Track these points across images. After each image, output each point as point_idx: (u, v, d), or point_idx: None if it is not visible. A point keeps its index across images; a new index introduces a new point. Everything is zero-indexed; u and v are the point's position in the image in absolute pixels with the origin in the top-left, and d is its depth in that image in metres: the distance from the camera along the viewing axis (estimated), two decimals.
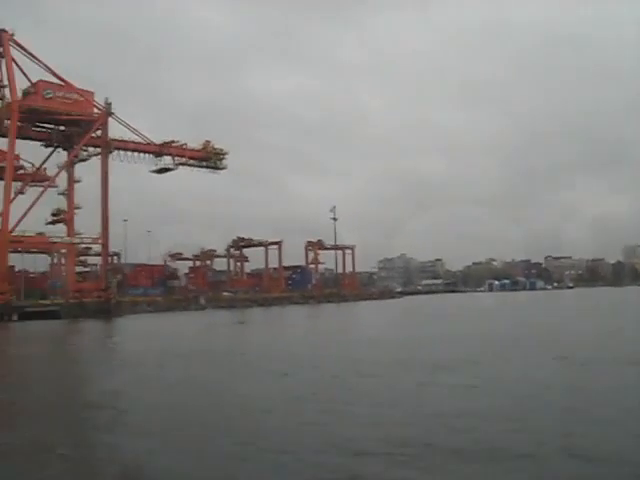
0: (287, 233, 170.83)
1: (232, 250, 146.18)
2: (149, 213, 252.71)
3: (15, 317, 75.47)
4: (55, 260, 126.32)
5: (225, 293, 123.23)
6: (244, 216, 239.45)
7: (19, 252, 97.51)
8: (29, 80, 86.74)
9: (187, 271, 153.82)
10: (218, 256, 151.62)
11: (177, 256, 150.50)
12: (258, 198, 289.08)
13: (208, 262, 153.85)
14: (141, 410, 17.26)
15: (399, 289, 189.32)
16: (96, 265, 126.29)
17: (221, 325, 65.20)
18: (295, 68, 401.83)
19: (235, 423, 15.13)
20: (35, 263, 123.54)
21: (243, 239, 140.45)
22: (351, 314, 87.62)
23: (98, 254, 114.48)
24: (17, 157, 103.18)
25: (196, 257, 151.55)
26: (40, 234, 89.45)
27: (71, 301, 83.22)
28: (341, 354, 30.35)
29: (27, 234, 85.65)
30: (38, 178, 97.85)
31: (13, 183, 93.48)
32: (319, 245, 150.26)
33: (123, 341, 46.51)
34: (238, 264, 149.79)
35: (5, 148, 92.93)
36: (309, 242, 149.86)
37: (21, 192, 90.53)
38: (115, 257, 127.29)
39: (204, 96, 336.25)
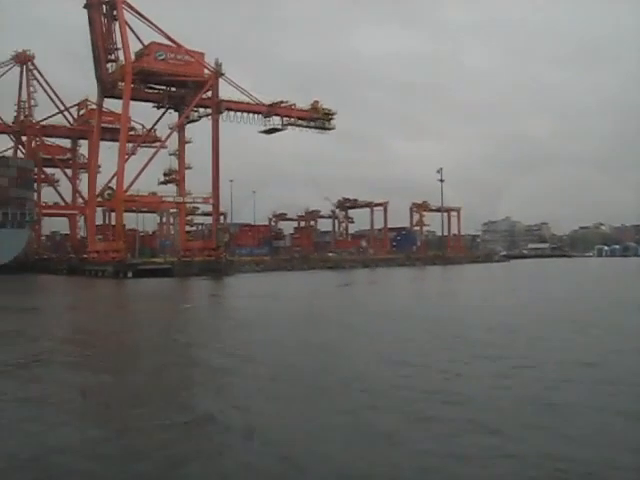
0: (387, 195, 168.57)
1: (337, 211, 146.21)
2: (253, 174, 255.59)
3: (130, 274, 77.62)
4: (164, 219, 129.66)
5: (330, 254, 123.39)
6: (346, 177, 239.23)
7: (133, 211, 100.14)
8: (141, 42, 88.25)
9: (292, 231, 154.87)
10: (322, 217, 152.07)
11: (281, 217, 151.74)
12: (360, 159, 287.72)
13: (312, 223, 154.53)
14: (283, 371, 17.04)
15: (504, 253, 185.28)
16: (202, 225, 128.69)
17: (333, 286, 65.13)
18: (400, 28, 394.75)
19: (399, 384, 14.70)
20: (143, 222, 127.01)
21: (348, 200, 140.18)
22: (464, 277, 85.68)
23: (204, 214, 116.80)
24: (128, 119, 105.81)
25: (301, 217, 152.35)
26: (152, 194, 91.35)
27: (183, 260, 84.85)
28: (481, 319, 29.62)
29: (140, 194, 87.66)
30: (149, 139, 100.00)
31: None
32: (424, 207, 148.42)
33: (242, 300, 46.68)
34: (343, 225, 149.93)
35: (117, 110, 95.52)
36: (414, 204, 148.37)
37: (133, 153, 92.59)
38: (222, 217, 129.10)
39: (307, 57, 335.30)
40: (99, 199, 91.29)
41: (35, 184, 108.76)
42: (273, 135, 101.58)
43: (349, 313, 34.17)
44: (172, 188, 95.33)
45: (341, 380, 15.84)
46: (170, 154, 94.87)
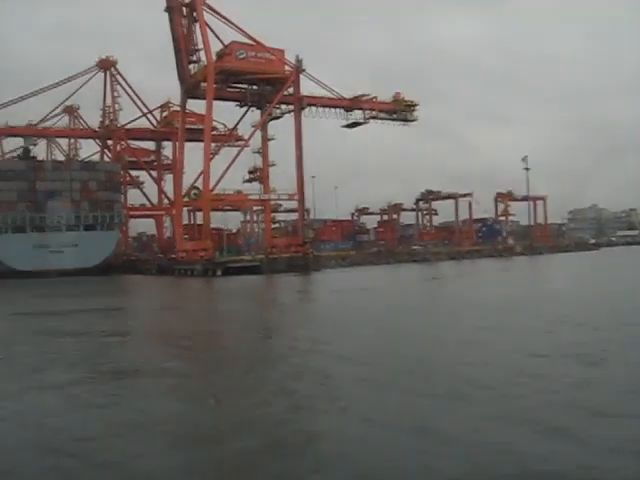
0: (470, 185, 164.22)
1: (421, 203, 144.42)
2: (334, 169, 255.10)
3: (219, 272, 78.07)
4: (247, 217, 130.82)
5: (414, 247, 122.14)
6: (427, 168, 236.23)
7: (217, 210, 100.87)
8: (222, 42, 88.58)
9: (375, 225, 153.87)
10: (405, 210, 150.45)
11: (364, 211, 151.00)
12: (440, 150, 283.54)
13: (394, 216, 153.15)
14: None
15: (592, 241, 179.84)
16: (283, 222, 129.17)
17: (425, 279, 64.13)
18: (476, 14, 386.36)
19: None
20: (225, 221, 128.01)
21: (432, 192, 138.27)
22: (559, 269, 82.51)
23: (287, 210, 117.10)
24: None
25: (383, 211, 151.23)
26: (237, 192, 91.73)
27: (270, 257, 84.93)
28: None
29: (226, 192, 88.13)
30: (231, 138, 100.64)
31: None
32: (509, 196, 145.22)
33: (338, 295, 45.94)
34: (426, 217, 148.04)
35: (199, 111, 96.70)
36: (498, 193, 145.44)
37: (216, 153, 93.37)
38: (305, 213, 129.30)
39: (383, 48, 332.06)
40: (185, 199, 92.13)
41: (121, 187, 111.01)
42: (352, 130, 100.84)
43: (459, 308, 32.98)
44: (255, 186, 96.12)
45: (497, 376, 15.21)
46: (254, 152, 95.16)
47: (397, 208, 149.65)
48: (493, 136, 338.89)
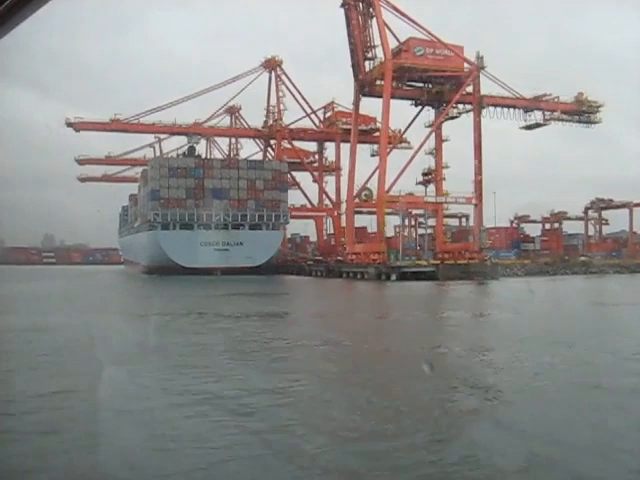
0: (630, 194, 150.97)
1: (590, 212, 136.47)
2: (488, 173, 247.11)
3: (394, 277, 74.93)
4: (406, 221, 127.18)
5: (582, 257, 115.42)
6: (579, 176, 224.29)
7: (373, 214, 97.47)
8: (397, 39, 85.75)
9: (538, 234, 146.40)
10: (569, 219, 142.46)
11: (524, 219, 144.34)
12: (594, 157, 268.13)
13: (556, 225, 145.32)
14: None
15: None
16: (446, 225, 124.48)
17: None
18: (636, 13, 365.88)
19: None
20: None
21: (603, 200, 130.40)
22: None
23: (447, 216, 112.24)
24: (373, 120, 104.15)
25: (545, 219, 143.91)
26: (409, 194, 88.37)
27: (446, 262, 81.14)
28: None
29: (401, 194, 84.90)
30: (398, 140, 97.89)
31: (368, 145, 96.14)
32: None
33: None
34: (596, 227, 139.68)
35: (362, 111, 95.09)
36: None
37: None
38: (464, 219, 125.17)
39: (539, 50, 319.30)
40: (356, 200, 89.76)
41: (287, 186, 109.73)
42: (531, 131, 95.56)
43: None
44: (423, 188, 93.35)
45: None
46: (426, 153, 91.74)
47: (560, 216, 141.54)
48: None
